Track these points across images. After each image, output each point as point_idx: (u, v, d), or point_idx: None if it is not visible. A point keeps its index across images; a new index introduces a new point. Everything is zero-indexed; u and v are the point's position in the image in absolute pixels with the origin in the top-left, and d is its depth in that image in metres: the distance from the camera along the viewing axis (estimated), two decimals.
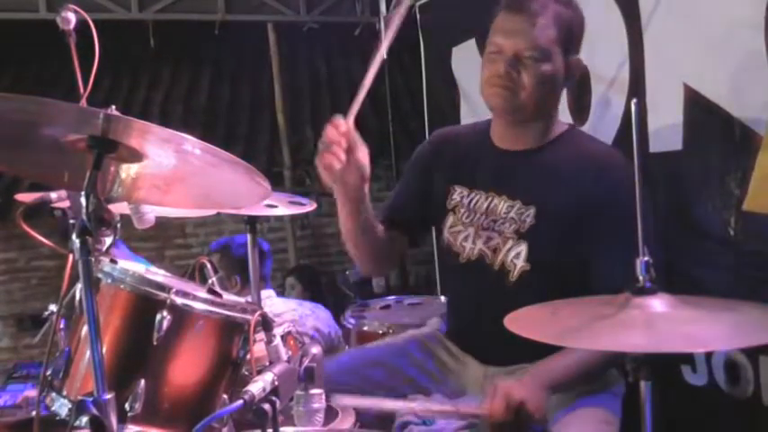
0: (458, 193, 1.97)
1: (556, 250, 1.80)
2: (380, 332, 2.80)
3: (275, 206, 2.31)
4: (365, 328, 2.88)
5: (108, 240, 1.42)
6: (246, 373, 1.62)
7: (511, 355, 1.82)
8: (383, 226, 2.02)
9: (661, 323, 1.14)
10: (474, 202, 1.94)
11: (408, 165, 2.18)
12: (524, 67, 1.77)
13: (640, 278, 1.19)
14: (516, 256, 1.83)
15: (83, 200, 1.31)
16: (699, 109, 2.17)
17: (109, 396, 1.31)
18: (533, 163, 1.89)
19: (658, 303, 1.16)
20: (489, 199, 1.91)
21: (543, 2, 1.78)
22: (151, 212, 1.94)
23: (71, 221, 1.34)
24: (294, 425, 1.52)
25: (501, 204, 1.88)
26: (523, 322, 1.25)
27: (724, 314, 1.18)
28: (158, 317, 1.48)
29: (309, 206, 2.50)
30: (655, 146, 2.32)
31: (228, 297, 1.72)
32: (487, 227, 1.89)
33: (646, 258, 1.20)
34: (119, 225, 1.41)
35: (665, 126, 2.28)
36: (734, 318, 1.17)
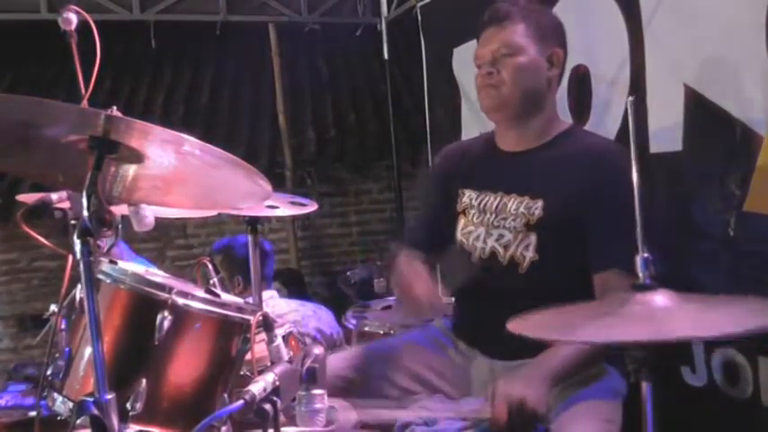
0: (467, 196, 2.03)
1: (563, 240, 1.84)
2: (381, 332, 2.80)
3: (276, 207, 2.30)
4: (366, 329, 2.89)
5: (109, 241, 1.42)
6: (248, 373, 1.62)
7: (518, 350, 1.82)
8: (421, 250, 2.05)
9: (664, 316, 1.14)
10: (484, 202, 1.99)
11: (424, 186, 2.30)
12: (502, 65, 1.91)
13: (640, 275, 1.20)
14: (526, 248, 1.87)
15: (84, 200, 1.31)
16: (699, 109, 2.17)
17: (110, 396, 1.31)
18: (539, 160, 1.95)
19: (660, 299, 1.17)
20: (499, 198, 1.96)
21: (509, 10, 1.94)
22: (150, 215, 1.93)
23: (72, 222, 1.34)
24: (296, 425, 1.53)
25: (510, 202, 1.93)
26: (526, 320, 1.25)
27: (725, 308, 1.19)
28: (159, 317, 1.49)
29: (310, 207, 2.50)
30: (655, 146, 2.32)
31: (228, 297, 1.73)
32: (498, 225, 1.93)
33: (646, 255, 1.20)
34: (120, 226, 1.41)
35: (665, 126, 2.28)
36: (735, 310, 1.18)
